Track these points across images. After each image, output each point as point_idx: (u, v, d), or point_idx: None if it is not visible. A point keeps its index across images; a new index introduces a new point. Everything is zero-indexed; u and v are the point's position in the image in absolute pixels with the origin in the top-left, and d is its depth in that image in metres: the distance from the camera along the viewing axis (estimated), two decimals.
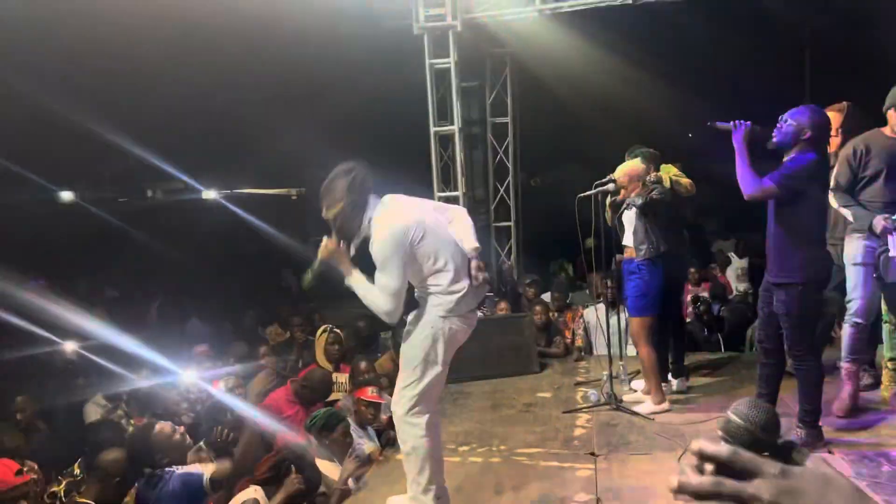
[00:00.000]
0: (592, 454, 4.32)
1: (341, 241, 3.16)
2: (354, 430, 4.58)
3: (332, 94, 8.92)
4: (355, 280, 3.12)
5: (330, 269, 3.18)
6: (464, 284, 3.19)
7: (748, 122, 3.91)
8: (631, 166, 5.08)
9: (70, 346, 6.01)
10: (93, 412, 5.29)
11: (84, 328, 6.37)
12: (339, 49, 8.00)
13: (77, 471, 3.58)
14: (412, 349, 3.22)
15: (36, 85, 7.80)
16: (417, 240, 3.10)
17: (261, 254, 13.45)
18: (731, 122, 3.92)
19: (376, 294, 3.05)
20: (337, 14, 7.51)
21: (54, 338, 5.99)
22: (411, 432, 3.22)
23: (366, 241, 3.16)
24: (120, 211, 14.69)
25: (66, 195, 15.97)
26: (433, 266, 3.15)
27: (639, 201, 4.91)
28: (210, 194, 17.32)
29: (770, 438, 1.03)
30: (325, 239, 3.17)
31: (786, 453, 0.95)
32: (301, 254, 11.43)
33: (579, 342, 6.93)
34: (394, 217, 3.12)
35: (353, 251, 3.22)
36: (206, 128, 11.67)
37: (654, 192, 4.91)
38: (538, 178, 14.58)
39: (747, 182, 3.83)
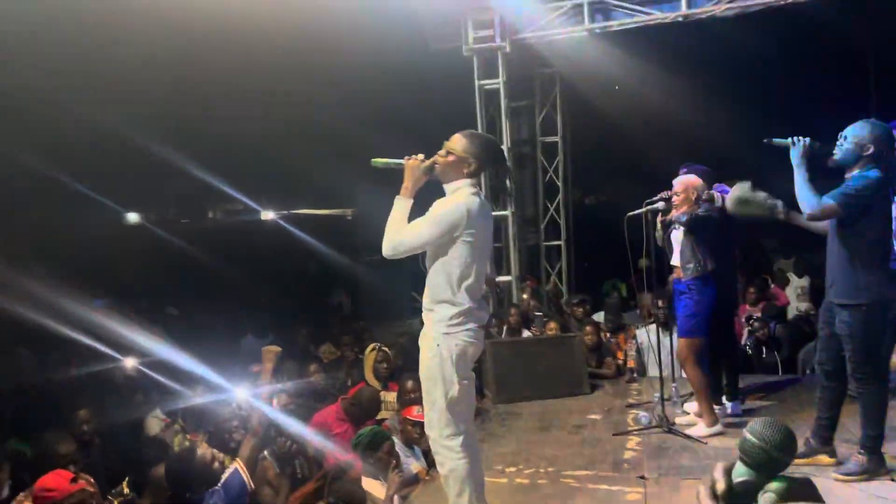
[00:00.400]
0: (642, 477, 4.22)
1: (426, 172, 3.18)
2: (401, 448, 4.57)
3: (382, 117, 9.04)
4: (403, 204, 3.12)
5: (397, 172, 3.17)
6: (467, 301, 3.15)
7: (807, 139, 3.79)
8: (690, 179, 4.98)
9: (130, 363, 6.19)
10: (154, 425, 5.42)
11: (144, 346, 6.57)
12: (388, 72, 8.13)
13: (126, 490, 3.66)
14: (425, 371, 3.19)
15: (105, 110, 8.13)
16: (467, 235, 3.09)
17: (316, 272, 13.65)
18: (790, 139, 3.81)
19: (405, 230, 3.06)
20: (386, 38, 7.64)
21: (116, 354, 6.19)
22: (447, 454, 3.18)
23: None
24: (182, 231, 15.10)
25: (133, 217, 16.55)
26: (455, 263, 3.11)
27: (683, 218, 4.82)
28: (268, 215, 17.69)
29: (786, 458, 0.99)
30: (420, 155, 3.19)
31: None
32: (352, 272, 11.62)
33: (631, 363, 6.78)
34: (473, 204, 3.12)
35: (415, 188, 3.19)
36: (264, 150, 11.97)
37: (699, 210, 4.82)
38: (593, 196, 14.43)
39: (807, 201, 3.71)
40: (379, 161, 3.20)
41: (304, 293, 12.55)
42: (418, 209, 3.17)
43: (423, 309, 3.26)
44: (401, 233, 3.06)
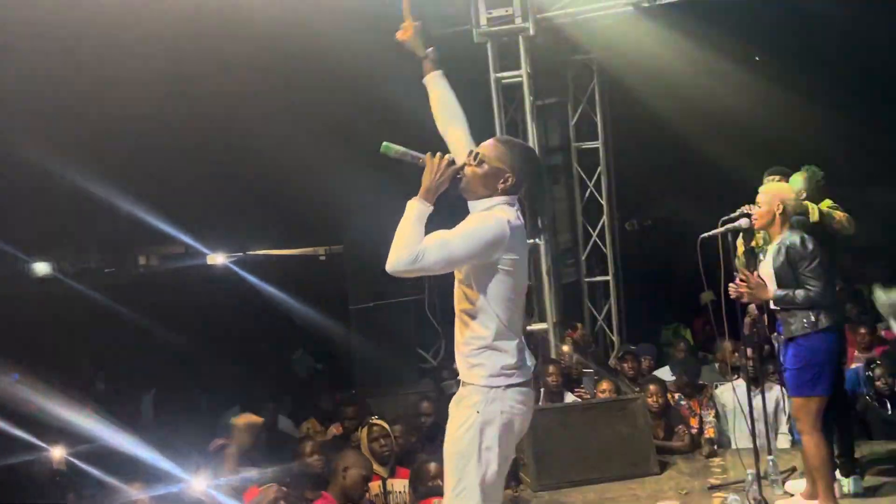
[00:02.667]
0: None
1: (451, 182, 3.20)
2: None
3: (369, 124, 9.07)
4: (418, 209, 3.09)
5: (412, 166, 3.19)
6: (516, 350, 3.20)
7: None
8: (779, 187, 5.02)
9: (58, 453, 6.15)
10: None
11: (71, 430, 6.54)
12: (380, 70, 8.21)
13: None
14: (455, 444, 3.20)
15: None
16: (508, 262, 3.14)
17: (279, 331, 13.63)
18: None
19: (428, 241, 3.03)
20: (376, 23, 7.73)
21: (38, 442, 6.16)
22: None
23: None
24: (106, 284, 15.07)
25: (41, 266, 16.55)
26: (500, 298, 3.17)
27: (779, 294, 4.83)
28: (217, 258, 17.72)
29: None
30: (449, 155, 3.21)
31: None
32: (325, 330, 11.56)
33: (710, 432, 6.78)
34: (515, 224, 3.17)
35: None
36: (212, 174, 11.98)
37: (791, 239, 4.82)
38: (635, 220, 14.44)
39: None
40: (393, 147, 3.19)
41: (268, 356, 12.52)
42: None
43: (460, 367, 3.29)
44: (421, 244, 3.03)
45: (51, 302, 13.97)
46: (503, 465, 3.19)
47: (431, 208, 3.11)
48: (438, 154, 3.17)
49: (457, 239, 3.07)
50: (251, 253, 18.34)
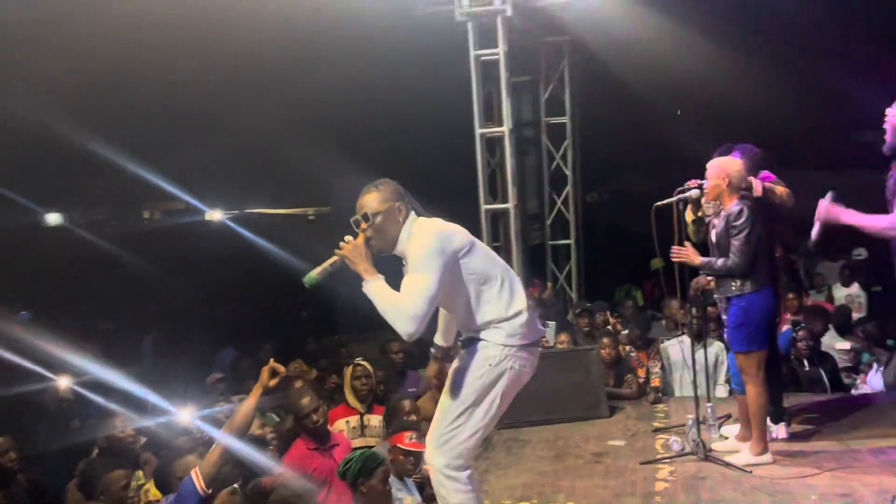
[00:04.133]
0: None
1: (365, 248, 3.22)
2: (392, 481, 4.57)
3: (360, 96, 9.02)
4: (376, 285, 3.08)
5: (343, 270, 3.18)
6: (524, 306, 3.23)
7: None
8: (725, 161, 5.01)
9: (64, 383, 6.14)
10: None
11: (78, 365, 6.53)
12: (366, 43, 8.11)
13: None
14: (464, 389, 3.21)
15: (18, 94, 7.99)
16: (464, 251, 3.17)
17: (275, 282, 13.62)
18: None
19: (404, 300, 3.02)
20: (363, 2, 7.64)
21: (47, 373, 6.14)
22: (454, 487, 3.21)
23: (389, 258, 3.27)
24: (113, 235, 14.99)
25: (53, 217, 16.39)
26: (483, 287, 3.20)
27: (717, 263, 4.82)
28: (215, 215, 17.61)
29: None
30: (348, 238, 3.20)
31: None
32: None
33: (655, 382, 6.85)
34: (439, 224, 3.25)
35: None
36: (211, 138, 11.87)
37: (736, 215, 4.81)
38: (595, 192, 14.51)
39: (882, 227, 3.80)
40: (313, 275, 3.20)
41: (264, 305, 12.54)
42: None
43: (469, 331, 3.32)
44: (405, 302, 3.03)
45: (61, 249, 13.90)
46: (499, 413, 3.28)
47: (381, 277, 3.11)
48: (341, 244, 3.18)
49: (418, 275, 3.07)
50: (247, 211, 18.26)
